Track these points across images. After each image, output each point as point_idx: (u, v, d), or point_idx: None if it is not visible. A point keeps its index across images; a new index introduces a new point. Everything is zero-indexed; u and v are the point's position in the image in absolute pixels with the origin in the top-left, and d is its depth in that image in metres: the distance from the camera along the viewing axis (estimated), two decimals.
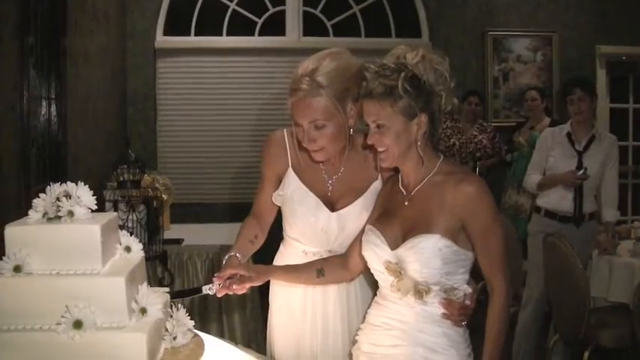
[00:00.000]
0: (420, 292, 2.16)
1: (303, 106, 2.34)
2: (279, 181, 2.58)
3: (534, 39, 7.28)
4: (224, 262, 2.44)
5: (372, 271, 2.32)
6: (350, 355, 2.44)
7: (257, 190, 2.67)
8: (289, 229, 2.61)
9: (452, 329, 2.20)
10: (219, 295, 2.38)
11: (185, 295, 2.25)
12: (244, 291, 2.40)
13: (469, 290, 2.23)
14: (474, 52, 7.19)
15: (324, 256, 2.52)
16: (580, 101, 4.69)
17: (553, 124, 5.67)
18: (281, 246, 2.71)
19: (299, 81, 2.34)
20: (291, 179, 2.53)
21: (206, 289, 2.35)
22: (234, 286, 2.35)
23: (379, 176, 2.49)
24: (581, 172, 4.60)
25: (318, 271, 2.44)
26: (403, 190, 2.28)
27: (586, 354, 4.20)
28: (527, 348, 4.80)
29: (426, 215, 2.17)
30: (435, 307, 2.19)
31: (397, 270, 2.19)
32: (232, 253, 2.46)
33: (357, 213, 2.45)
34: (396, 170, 2.34)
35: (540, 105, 6.38)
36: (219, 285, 2.34)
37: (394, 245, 2.20)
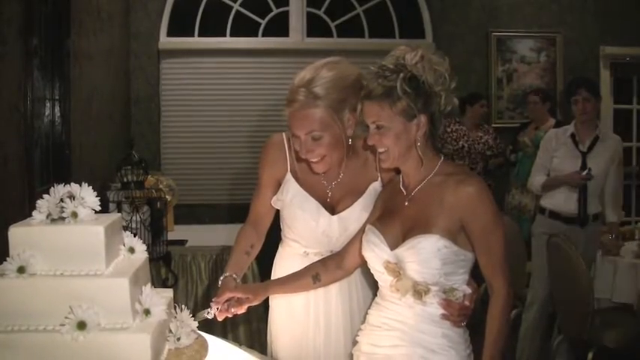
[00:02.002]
0: (419, 292, 2.17)
1: (299, 117, 2.34)
2: (277, 186, 2.58)
3: (538, 40, 7.27)
4: (220, 284, 2.45)
5: (372, 272, 2.33)
6: (351, 355, 2.44)
7: (254, 195, 2.66)
8: (289, 232, 2.61)
9: (451, 330, 2.21)
10: (219, 319, 2.39)
11: None
12: (243, 311, 2.41)
13: (468, 291, 2.23)
14: (477, 53, 7.17)
15: (325, 256, 2.52)
16: (585, 101, 4.69)
17: (558, 125, 5.66)
18: (280, 248, 2.72)
19: (295, 92, 2.33)
20: (291, 184, 2.53)
21: (204, 314, 2.35)
22: (232, 309, 2.36)
23: (379, 177, 2.49)
24: (585, 172, 4.60)
25: (313, 277, 2.45)
26: (404, 191, 2.29)
27: (590, 355, 4.19)
28: (531, 349, 4.79)
29: (426, 215, 2.18)
30: (434, 307, 2.19)
31: (396, 270, 2.19)
32: (227, 274, 2.46)
33: (357, 214, 2.45)
34: (397, 171, 2.35)
35: (541, 107, 6.36)
36: (218, 309, 2.35)
37: (394, 245, 2.21)
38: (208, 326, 2.36)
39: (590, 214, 4.72)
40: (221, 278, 2.46)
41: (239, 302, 2.37)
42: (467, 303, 2.22)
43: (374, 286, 2.43)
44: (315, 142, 2.35)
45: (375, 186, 2.48)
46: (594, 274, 4.55)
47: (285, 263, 2.63)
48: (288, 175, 2.54)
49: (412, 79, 2.13)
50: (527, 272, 4.99)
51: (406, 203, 2.26)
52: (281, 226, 2.66)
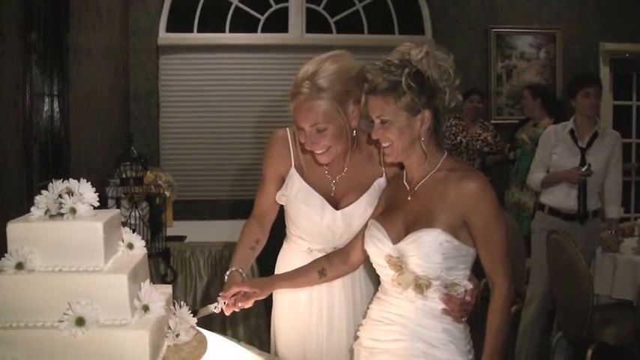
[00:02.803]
0: (420, 286, 2.18)
1: (304, 109, 2.35)
2: (281, 181, 2.58)
3: (538, 36, 7.26)
4: (226, 279, 2.45)
5: (374, 266, 2.34)
6: (351, 350, 2.44)
7: (258, 190, 2.66)
8: (293, 228, 2.62)
9: (452, 325, 2.22)
10: (227, 314, 2.39)
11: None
12: (250, 306, 2.41)
13: (470, 286, 2.24)
14: (477, 49, 7.17)
15: (328, 252, 2.53)
16: (596, 95, 4.68)
17: (556, 121, 5.65)
18: (284, 244, 2.72)
19: (300, 85, 2.35)
20: (295, 179, 2.53)
21: (212, 308, 2.35)
22: (239, 304, 2.36)
23: (383, 173, 2.50)
24: (584, 168, 4.59)
25: (319, 272, 2.46)
26: (407, 185, 2.30)
27: (589, 351, 4.19)
28: (530, 345, 4.79)
29: (429, 210, 2.19)
30: (435, 302, 2.20)
31: (398, 264, 2.20)
32: (233, 269, 2.47)
33: (361, 210, 2.46)
34: (401, 166, 2.35)
35: (532, 103, 6.31)
36: (225, 303, 2.35)
37: (396, 240, 2.22)
38: (207, 322, 2.36)
39: (590, 211, 4.71)
40: (227, 273, 2.47)
41: (246, 297, 2.37)
42: (468, 298, 2.23)
43: (377, 281, 2.43)
44: (320, 133, 2.36)
45: (380, 182, 2.50)
46: (594, 270, 4.55)
47: (288, 260, 2.64)
48: (292, 170, 2.55)
49: (417, 74, 2.14)
50: (526, 269, 4.99)
51: (409, 198, 2.27)
52: (286, 223, 2.66)
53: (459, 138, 6.48)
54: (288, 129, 2.60)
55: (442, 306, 2.20)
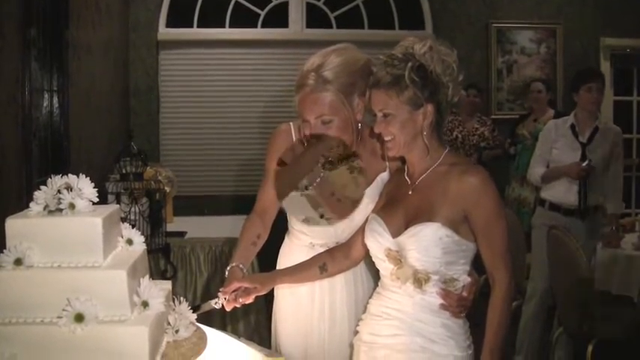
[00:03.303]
0: (419, 280, 2.18)
1: (309, 101, 2.36)
2: None
3: (538, 31, 7.25)
4: (227, 274, 2.45)
5: (373, 260, 2.34)
6: (352, 345, 2.45)
7: (260, 185, 2.65)
8: (295, 223, 2.61)
9: (451, 320, 2.22)
10: (227, 309, 2.39)
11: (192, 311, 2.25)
12: (251, 301, 2.41)
13: (468, 281, 2.23)
14: (477, 44, 7.16)
15: (330, 247, 2.53)
16: (598, 91, 4.67)
17: (557, 116, 5.64)
18: (286, 238, 2.73)
19: (305, 76, 2.36)
20: None
21: (212, 304, 2.35)
22: (240, 299, 2.35)
23: (387, 168, 2.50)
24: (585, 163, 4.58)
25: (320, 267, 2.46)
26: (408, 180, 2.30)
27: (590, 347, 4.19)
28: (530, 341, 4.79)
29: (429, 204, 2.19)
30: (434, 297, 2.20)
31: (397, 258, 2.21)
32: (234, 264, 2.46)
33: (364, 204, 2.45)
34: (403, 161, 2.36)
35: (545, 97, 6.34)
36: (225, 299, 2.35)
37: (396, 234, 2.22)
38: (207, 318, 2.36)
39: (591, 206, 4.70)
40: (228, 268, 2.47)
41: (246, 292, 2.37)
42: (465, 294, 2.23)
43: (378, 276, 2.43)
44: (325, 125, 2.37)
45: (383, 176, 2.50)
46: (594, 266, 4.54)
47: (290, 255, 2.65)
48: None
49: (420, 68, 2.16)
50: (527, 264, 4.98)
51: (410, 192, 2.27)
52: (288, 217, 2.65)
53: (454, 133, 6.47)
54: (291, 123, 2.60)
55: (440, 301, 2.20)
